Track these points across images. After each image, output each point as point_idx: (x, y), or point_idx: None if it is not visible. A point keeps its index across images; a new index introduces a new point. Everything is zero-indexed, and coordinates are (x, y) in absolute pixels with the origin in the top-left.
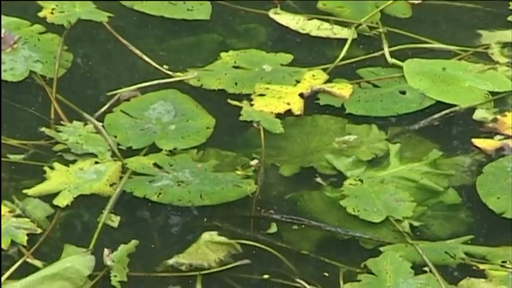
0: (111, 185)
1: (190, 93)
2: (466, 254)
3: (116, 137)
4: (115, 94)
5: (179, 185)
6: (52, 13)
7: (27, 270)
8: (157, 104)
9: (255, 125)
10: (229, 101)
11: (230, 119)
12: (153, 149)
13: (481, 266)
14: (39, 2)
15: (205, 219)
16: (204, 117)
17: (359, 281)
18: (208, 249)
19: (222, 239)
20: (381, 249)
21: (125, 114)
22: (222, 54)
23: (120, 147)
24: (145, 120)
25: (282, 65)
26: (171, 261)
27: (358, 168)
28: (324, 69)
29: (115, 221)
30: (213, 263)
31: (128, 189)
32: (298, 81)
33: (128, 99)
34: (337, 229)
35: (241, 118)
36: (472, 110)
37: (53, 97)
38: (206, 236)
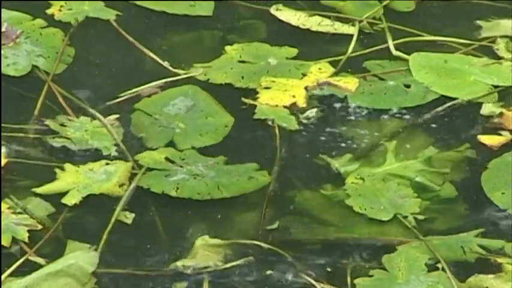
0: (120, 186)
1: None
2: (481, 247)
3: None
4: (125, 90)
5: (195, 178)
6: (60, 10)
7: (30, 268)
8: (177, 99)
9: (270, 122)
10: (243, 99)
11: (240, 114)
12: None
13: (499, 260)
14: None
15: (219, 216)
16: (223, 115)
17: (371, 276)
18: (207, 252)
19: (216, 241)
20: (393, 246)
21: (142, 113)
22: (227, 48)
23: (129, 136)
24: (164, 116)
25: (287, 58)
26: (179, 263)
27: (354, 165)
28: (330, 64)
29: (129, 217)
30: (218, 262)
31: (144, 185)
32: (304, 75)
33: (149, 96)
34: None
35: (255, 116)
36: (477, 105)
37: (57, 92)
38: (200, 241)
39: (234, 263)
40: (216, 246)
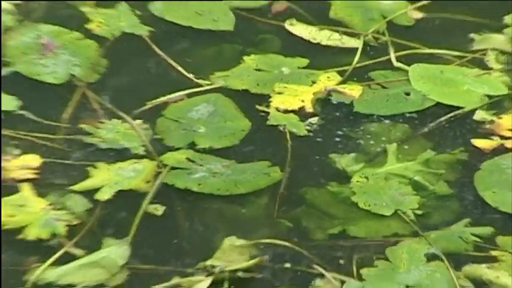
0: (147, 182)
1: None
2: (474, 235)
3: (156, 134)
4: (154, 98)
5: (214, 176)
6: (99, 26)
7: (68, 259)
8: (200, 106)
9: (282, 128)
10: (257, 107)
11: (256, 118)
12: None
13: (491, 252)
14: (87, 13)
15: (243, 210)
16: (240, 120)
17: (376, 266)
18: (233, 253)
19: (242, 242)
20: (395, 239)
21: (169, 118)
22: (245, 58)
23: (155, 138)
24: (187, 120)
25: (298, 68)
26: (208, 263)
27: (358, 165)
28: (338, 73)
29: (160, 210)
30: (242, 262)
31: (169, 182)
32: (314, 82)
33: (175, 102)
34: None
35: (268, 123)
36: (470, 111)
37: (92, 98)
38: (227, 241)
39: (253, 261)
40: (240, 246)
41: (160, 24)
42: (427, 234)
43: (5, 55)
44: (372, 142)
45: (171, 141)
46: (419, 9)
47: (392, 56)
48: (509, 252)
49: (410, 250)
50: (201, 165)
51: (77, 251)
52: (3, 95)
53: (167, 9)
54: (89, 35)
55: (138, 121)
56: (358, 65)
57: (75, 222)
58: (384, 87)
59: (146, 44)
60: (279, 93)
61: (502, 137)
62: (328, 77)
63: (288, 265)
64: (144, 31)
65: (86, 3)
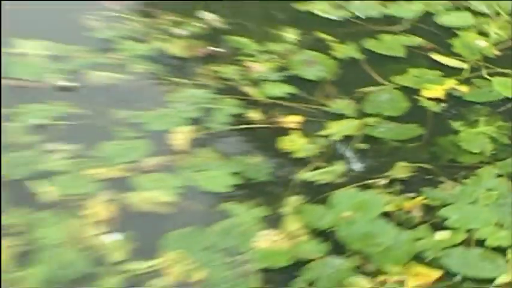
0: (355, 132)
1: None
2: None
3: (359, 107)
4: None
5: (390, 130)
6: (335, 52)
7: (315, 169)
8: (381, 94)
9: (427, 108)
10: (414, 96)
11: (413, 102)
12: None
13: None
14: (330, 45)
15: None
16: (404, 102)
17: (470, 178)
18: (400, 168)
19: (406, 164)
20: (481, 165)
21: (366, 100)
22: (410, 69)
23: (360, 108)
24: (376, 101)
25: (437, 76)
26: (388, 173)
27: (464, 126)
28: (456, 80)
29: (363, 146)
30: (404, 173)
31: (368, 132)
32: (444, 84)
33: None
34: None
35: (419, 104)
36: None
37: (330, 89)
38: (398, 164)
39: (410, 175)
40: (404, 165)
41: (369, 52)
42: (497, 163)
43: (289, 67)
44: (471, 115)
45: (366, 109)
46: (499, 50)
47: (484, 72)
48: None
49: (487, 171)
50: (382, 124)
51: (319, 165)
52: (284, 85)
53: (374, 45)
54: (332, 56)
55: (351, 101)
56: (466, 76)
57: (316, 152)
58: (479, 87)
59: (361, 62)
60: (426, 89)
61: None
62: (452, 81)
63: (427, 176)
64: (360, 56)
65: (335, 43)
